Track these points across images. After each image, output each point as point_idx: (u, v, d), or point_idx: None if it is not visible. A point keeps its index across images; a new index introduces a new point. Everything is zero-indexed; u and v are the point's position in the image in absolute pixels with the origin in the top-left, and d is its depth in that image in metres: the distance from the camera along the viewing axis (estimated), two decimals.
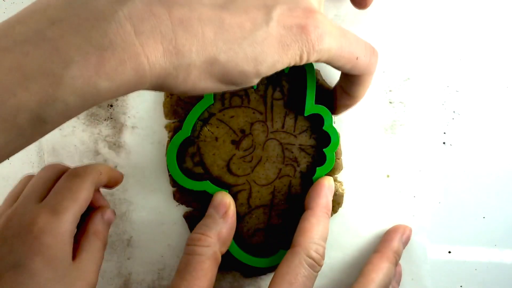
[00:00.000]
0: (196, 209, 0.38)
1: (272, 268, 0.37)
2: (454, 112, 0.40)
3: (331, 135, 0.37)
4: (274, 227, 0.37)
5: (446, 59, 0.39)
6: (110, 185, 0.35)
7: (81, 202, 0.31)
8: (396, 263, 0.37)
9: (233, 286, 0.39)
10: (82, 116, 0.39)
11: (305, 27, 0.28)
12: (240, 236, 0.37)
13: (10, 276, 0.28)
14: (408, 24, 0.40)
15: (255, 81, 0.29)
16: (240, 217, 0.37)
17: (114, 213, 0.35)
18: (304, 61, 0.29)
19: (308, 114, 0.37)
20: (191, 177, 0.37)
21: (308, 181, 0.37)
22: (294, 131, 0.37)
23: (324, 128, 0.36)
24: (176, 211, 0.38)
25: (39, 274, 0.29)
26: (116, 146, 0.39)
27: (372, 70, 0.32)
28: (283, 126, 0.37)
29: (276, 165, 0.37)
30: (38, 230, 0.29)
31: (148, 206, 0.39)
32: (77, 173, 0.32)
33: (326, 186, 0.36)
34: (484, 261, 0.38)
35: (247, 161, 0.37)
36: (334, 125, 0.36)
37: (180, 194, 0.38)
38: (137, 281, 0.40)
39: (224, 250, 0.35)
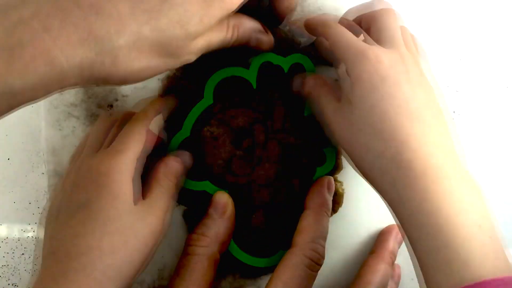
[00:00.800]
0: (195, 209, 0.38)
1: (272, 268, 0.37)
2: (454, 112, 0.40)
3: None
4: (274, 227, 0.37)
5: (446, 59, 0.39)
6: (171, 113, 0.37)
7: (142, 142, 0.33)
8: (392, 263, 0.37)
9: (233, 286, 0.39)
10: (82, 116, 0.39)
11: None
12: (240, 236, 0.37)
13: (80, 214, 0.30)
14: (408, 25, 0.40)
15: (192, 47, 0.28)
16: (240, 217, 0.37)
17: (192, 158, 0.36)
18: (234, 6, 0.29)
19: (308, 114, 0.37)
20: (191, 177, 0.37)
21: (308, 181, 0.37)
22: (294, 131, 0.37)
23: None
24: (176, 211, 0.38)
25: (107, 209, 0.30)
26: None
27: None
28: (283, 126, 0.37)
29: (276, 165, 0.37)
30: (103, 170, 0.31)
31: None
32: (137, 118, 0.34)
33: (326, 185, 0.36)
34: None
35: (247, 161, 0.37)
36: None
37: (180, 194, 0.38)
38: (137, 281, 0.40)
39: (223, 249, 0.35)
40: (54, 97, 0.39)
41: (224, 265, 0.35)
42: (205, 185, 0.36)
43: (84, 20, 0.24)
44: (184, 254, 0.34)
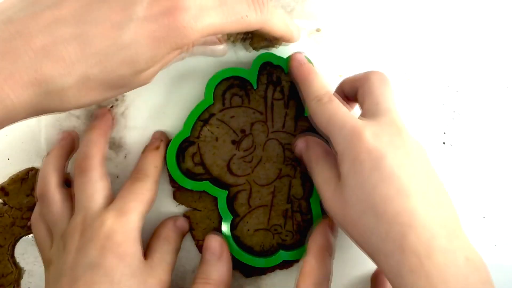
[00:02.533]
0: (196, 209, 0.38)
1: (272, 268, 0.37)
2: (454, 112, 0.40)
3: None
4: (274, 227, 0.37)
5: (446, 59, 0.39)
6: None
7: (146, 202, 0.34)
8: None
9: (233, 286, 0.39)
10: (82, 116, 0.39)
11: (173, 13, 0.27)
12: (240, 236, 0.37)
13: (87, 276, 0.30)
14: (409, 25, 0.40)
15: (143, 78, 0.29)
16: (240, 217, 0.37)
17: (188, 222, 0.37)
18: (189, 45, 0.28)
19: (308, 114, 0.37)
20: (191, 177, 0.37)
21: (308, 181, 0.37)
22: (294, 131, 0.37)
23: None
24: (176, 211, 0.38)
25: (114, 270, 0.31)
26: (116, 146, 0.39)
27: (267, 18, 0.32)
28: (283, 126, 0.37)
29: (277, 165, 0.37)
30: (108, 230, 0.31)
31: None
32: (139, 178, 0.35)
33: (329, 227, 0.35)
34: (484, 261, 0.38)
35: (247, 161, 0.37)
36: None
37: (180, 194, 0.38)
38: None
39: None
40: None
41: None
42: (205, 186, 0.36)
43: (35, 63, 0.25)
44: None
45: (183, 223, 0.37)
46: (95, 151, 0.35)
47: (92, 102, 0.28)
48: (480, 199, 0.39)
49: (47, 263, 0.34)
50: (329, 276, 0.33)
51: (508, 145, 0.40)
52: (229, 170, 0.37)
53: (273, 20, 0.32)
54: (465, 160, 0.39)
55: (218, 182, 0.37)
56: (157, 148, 0.37)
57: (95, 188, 0.34)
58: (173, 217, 0.37)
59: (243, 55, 0.39)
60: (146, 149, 0.38)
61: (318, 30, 0.40)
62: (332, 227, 0.35)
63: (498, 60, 0.40)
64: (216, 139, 0.37)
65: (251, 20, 0.30)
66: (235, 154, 0.37)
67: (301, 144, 0.36)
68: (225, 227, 0.36)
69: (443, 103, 0.40)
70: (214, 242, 0.35)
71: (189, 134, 0.36)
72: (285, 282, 0.38)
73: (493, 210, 0.39)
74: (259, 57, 0.37)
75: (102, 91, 0.27)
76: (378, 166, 0.29)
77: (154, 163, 0.36)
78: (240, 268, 0.38)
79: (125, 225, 0.32)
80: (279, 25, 0.33)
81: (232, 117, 0.37)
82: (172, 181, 0.37)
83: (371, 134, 0.30)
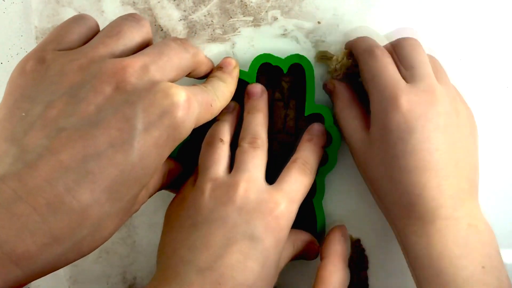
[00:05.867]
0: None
1: None
2: None
3: (332, 134, 0.36)
4: None
5: (446, 59, 0.39)
6: None
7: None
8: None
9: None
10: None
11: (171, 111, 0.26)
12: None
13: (246, 244, 0.30)
14: (408, 25, 0.40)
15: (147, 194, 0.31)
16: None
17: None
18: (182, 138, 0.28)
19: (309, 113, 0.37)
20: None
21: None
22: (295, 132, 0.37)
23: (325, 127, 0.36)
24: None
25: (269, 251, 0.30)
26: None
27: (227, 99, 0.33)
28: (284, 127, 0.37)
29: (277, 166, 0.37)
30: (279, 213, 0.31)
31: (150, 210, 0.39)
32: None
33: (340, 233, 0.35)
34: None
35: None
36: (335, 124, 0.36)
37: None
38: (142, 285, 0.39)
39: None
40: None
41: None
42: None
43: (43, 223, 0.23)
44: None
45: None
46: (262, 131, 0.35)
47: (107, 238, 0.26)
48: (480, 199, 0.39)
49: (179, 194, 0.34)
50: (347, 282, 0.34)
51: (508, 145, 0.39)
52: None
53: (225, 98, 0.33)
54: None
55: None
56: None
57: (257, 161, 0.34)
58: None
59: (241, 57, 0.39)
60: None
61: (316, 26, 0.40)
62: (343, 233, 0.36)
63: (498, 60, 0.40)
64: None
65: (216, 108, 0.32)
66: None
67: (329, 86, 0.37)
68: None
69: None
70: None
71: (189, 138, 0.36)
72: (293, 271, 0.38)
73: (493, 210, 0.38)
74: (257, 58, 0.37)
75: (118, 221, 0.26)
76: (404, 138, 0.31)
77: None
78: None
79: (291, 213, 0.32)
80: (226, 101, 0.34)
81: None
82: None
83: (407, 104, 0.31)
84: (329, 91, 0.37)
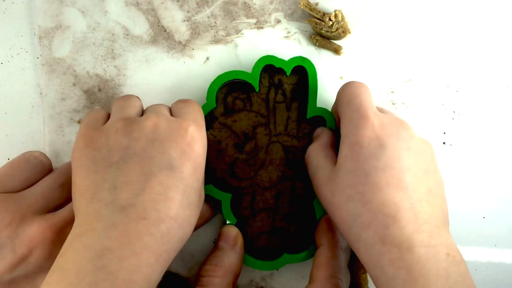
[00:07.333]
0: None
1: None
2: (454, 112, 0.40)
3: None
4: (278, 230, 0.37)
5: (446, 60, 0.39)
6: None
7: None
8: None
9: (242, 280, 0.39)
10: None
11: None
12: (244, 239, 0.37)
13: (164, 175, 0.29)
14: (409, 26, 0.40)
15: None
16: (244, 220, 0.37)
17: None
18: None
19: (310, 116, 0.37)
20: None
21: (311, 184, 0.37)
22: (297, 134, 0.38)
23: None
24: None
25: (188, 179, 0.30)
26: None
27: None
28: (285, 129, 0.37)
29: (280, 168, 0.37)
30: (191, 138, 0.31)
31: None
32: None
33: (330, 221, 0.36)
34: (484, 261, 0.38)
35: (251, 164, 0.37)
36: (336, 126, 0.37)
37: None
38: None
39: (235, 283, 0.35)
40: (57, 103, 0.39)
41: None
42: (209, 189, 0.36)
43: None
44: (199, 285, 0.33)
45: None
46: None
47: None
48: (480, 199, 0.39)
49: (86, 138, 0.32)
50: (342, 267, 0.35)
51: (508, 145, 0.40)
52: (233, 173, 0.37)
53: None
54: (465, 160, 0.40)
55: (221, 185, 0.37)
56: None
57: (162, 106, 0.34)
58: None
59: (244, 58, 0.39)
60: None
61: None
62: (331, 224, 0.36)
63: (498, 60, 0.40)
64: (219, 143, 0.37)
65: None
66: (238, 158, 0.37)
67: (317, 132, 0.37)
68: None
69: (443, 103, 0.40)
70: (231, 231, 0.36)
71: None
72: (295, 274, 0.39)
73: (493, 210, 0.39)
74: (260, 60, 0.37)
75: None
76: (377, 154, 0.30)
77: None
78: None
79: (203, 138, 0.32)
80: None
81: (234, 121, 0.37)
82: None
83: (379, 123, 0.31)
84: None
